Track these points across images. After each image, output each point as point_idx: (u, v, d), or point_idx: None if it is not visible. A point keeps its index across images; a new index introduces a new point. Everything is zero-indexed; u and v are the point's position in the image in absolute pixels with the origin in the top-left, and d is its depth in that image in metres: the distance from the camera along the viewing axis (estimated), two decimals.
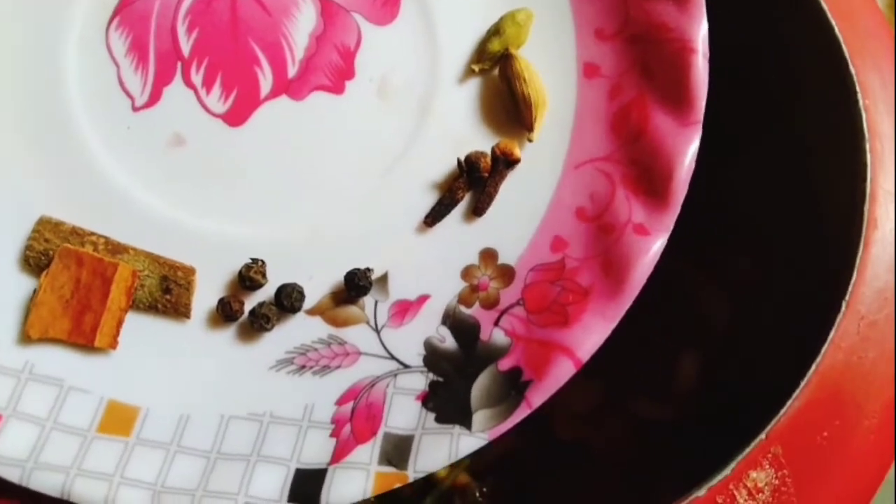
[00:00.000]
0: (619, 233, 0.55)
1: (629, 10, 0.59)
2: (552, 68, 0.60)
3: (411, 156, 0.60)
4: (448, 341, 0.56)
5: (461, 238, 0.58)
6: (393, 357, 0.56)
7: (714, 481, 0.52)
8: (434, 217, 0.58)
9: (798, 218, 0.71)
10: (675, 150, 0.56)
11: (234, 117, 0.60)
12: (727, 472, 0.53)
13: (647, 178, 0.56)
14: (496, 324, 0.56)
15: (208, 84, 0.60)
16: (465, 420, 0.53)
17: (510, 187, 0.58)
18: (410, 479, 0.53)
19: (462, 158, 0.58)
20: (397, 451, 0.53)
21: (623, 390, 0.70)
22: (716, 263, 0.75)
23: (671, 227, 0.55)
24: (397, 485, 0.53)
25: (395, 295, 0.58)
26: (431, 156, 0.60)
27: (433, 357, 0.56)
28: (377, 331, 0.57)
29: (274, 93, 0.60)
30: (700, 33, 0.58)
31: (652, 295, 0.72)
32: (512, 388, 0.53)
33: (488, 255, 0.57)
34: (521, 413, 0.53)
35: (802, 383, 0.55)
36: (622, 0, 0.59)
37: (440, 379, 0.55)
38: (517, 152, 0.58)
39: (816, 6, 0.64)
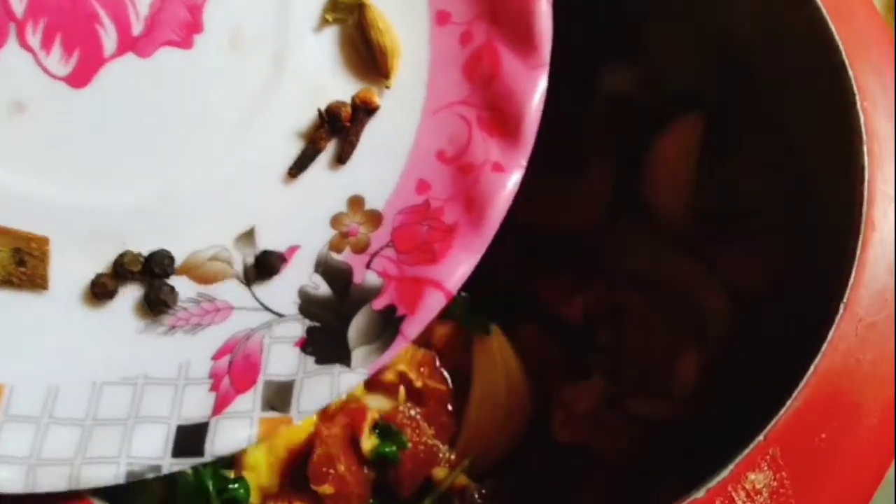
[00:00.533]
0: (478, 172, 0.58)
1: None
2: (405, 17, 0.61)
3: (270, 108, 0.60)
4: (322, 288, 0.58)
5: (327, 187, 0.59)
6: (267, 308, 0.58)
7: (712, 483, 0.52)
8: (298, 167, 0.59)
9: (796, 219, 0.72)
10: (524, 91, 0.58)
11: (78, 79, 0.58)
12: (725, 473, 0.53)
13: (501, 119, 0.58)
14: (368, 266, 0.58)
15: (47, 45, 0.58)
16: (344, 359, 0.55)
17: (372, 134, 0.60)
18: (296, 421, 0.55)
19: (323, 109, 0.59)
20: (279, 396, 0.55)
21: (622, 391, 0.70)
22: (715, 264, 0.75)
23: (525, 163, 0.58)
24: (283, 427, 0.55)
25: (264, 248, 0.59)
26: (291, 107, 0.60)
27: (308, 305, 0.57)
28: (248, 285, 0.58)
29: (119, 51, 0.59)
30: None
31: (652, 296, 0.73)
32: (387, 324, 0.56)
33: (356, 202, 0.59)
34: (398, 345, 0.55)
35: (801, 385, 0.55)
36: None
37: (317, 324, 0.57)
38: (376, 100, 0.59)
39: (815, 8, 0.64)
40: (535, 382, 0.71)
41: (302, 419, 0.55)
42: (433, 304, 0.56)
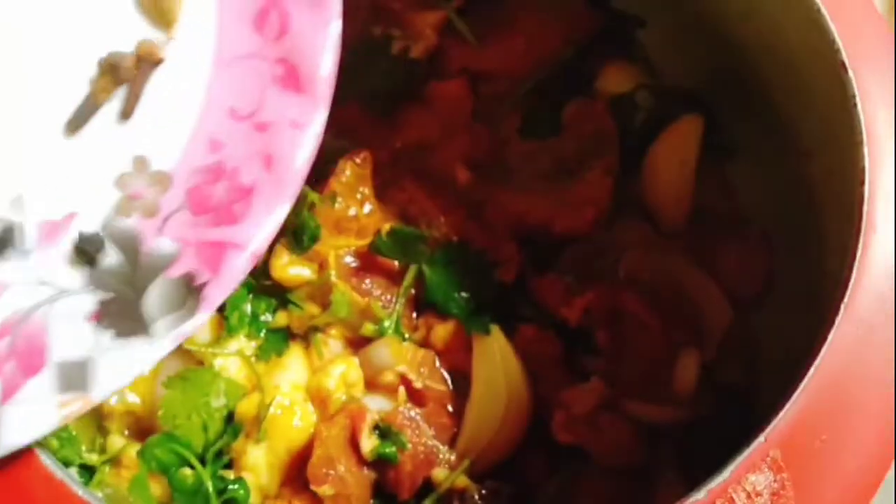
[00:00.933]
0: (276, 129, 0.56)
1: None
2: None
3: (37, 59, 0.57)
4: (112, 256, 0.55)
5: (110, 146, 0.57)
6: (46, 283, 0.55)
7: (713, 484, 0.52)
8: (76, 124, 0.56)
9: (796, 220, 0.72)
10: (316, 46, 0.57)
11: None
12: (726, 475, 0.52)
13: (295, 74, 0.56)
14: (160, 232, 0.55)
15: None
16: (144, 331, 0.53)
17: (160, 91, 0.57)
18: (97, 401, 0.52)
19: (102, 59, 0.57)
20: (77, 375, 0.52)
21: (621, 393, 0.70)
22: (714, 266, 0.75)
23: (324, 120, 0.56)
24: (86, 408, 0.52)
25: (38, 216, 0.56)
26: (62, 57, 0.57)
27: (97, 275, 0.55)
28: (20, 259, 0.55)
29: None
30: None
31: (651, 297, 0.73)
32: (188, 291, 0.53)
33: (141, 162, 0.56)
34: (203, 313, 0.53)
35: (801, 387, 0.55)
36: None
37: (111, 296, 0.54)
38: (158, 52, 0.57)
39: (815, 9, 0.64)
40: (535, 384, 0.71)
41: (104, 397, 0.52)
42: (238, 266, 0.54)
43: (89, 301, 0.54)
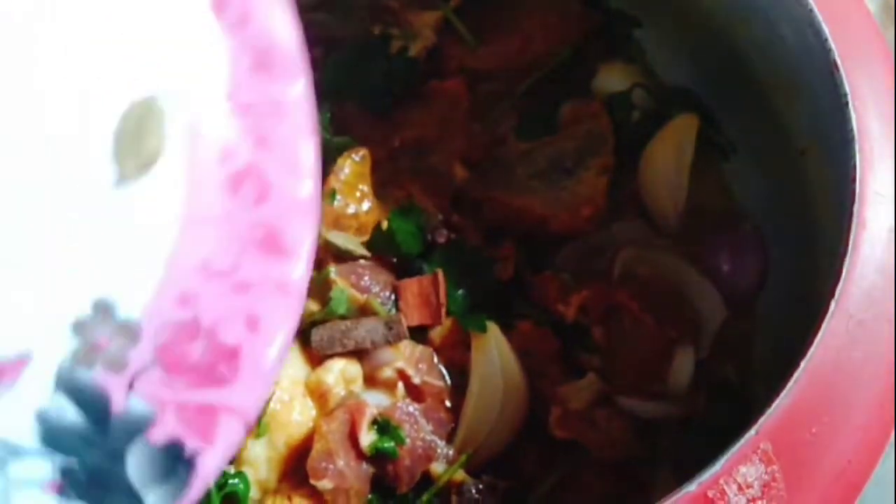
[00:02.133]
0: (258, 291, 0.51)
1: (241, 79, 0.55)
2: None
3: None
4: (71, 413, 0.48)
5: (68, 284, 0.50)
6: None
7: (705, 477, 0.53)
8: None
9: (790, 218, 0.72)
10: (297, 216, 0.53)
11: None
12: (717, 467, 0.53)
13: (274, 240, 0.52)
14: (130, 389, 0.48)
15: None
16: None
17: (128, 234, 0.52)
18: None
19: None
20: None
21: (617, 389, 0.71)
22: (708, 263, 0.75)
23: (305, 288, 0.52)
24: None
25: None
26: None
27: (55, 435, 0.47)
28: None
29: None
30: (311, 113, 0.56)
31: (646, 294, 0.74)
32: (177, 460, 0.47)
33: (104, 308, 0.50)
34: (199, 485, 0.47)
35: (792, 381, 0.55)
36: (236, 68, 0.55)
37: (73, 461, 0.47)
38: None
39: (808, 9, 0.64)
40: (532, 380, 0.71)
41: None
42: (232, 433, 0.48)
43: (47, 467, 0.47)
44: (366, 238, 0.74)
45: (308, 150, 0.54)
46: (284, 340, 0.50)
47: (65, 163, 0.53)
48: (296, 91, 0.54)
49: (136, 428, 0.47)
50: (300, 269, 0.51)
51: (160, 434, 0.47)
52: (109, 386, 0.48)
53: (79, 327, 0.50)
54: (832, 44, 0.63)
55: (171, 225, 0.52)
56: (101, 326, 0.50)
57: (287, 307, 0.51)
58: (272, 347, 0.50)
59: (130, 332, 0.50)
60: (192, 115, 0.54)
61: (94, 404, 0.48)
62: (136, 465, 0.47)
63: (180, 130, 0.54)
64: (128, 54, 0.54)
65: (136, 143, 0.53)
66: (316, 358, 0.71)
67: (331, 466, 0.66)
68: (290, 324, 0.51)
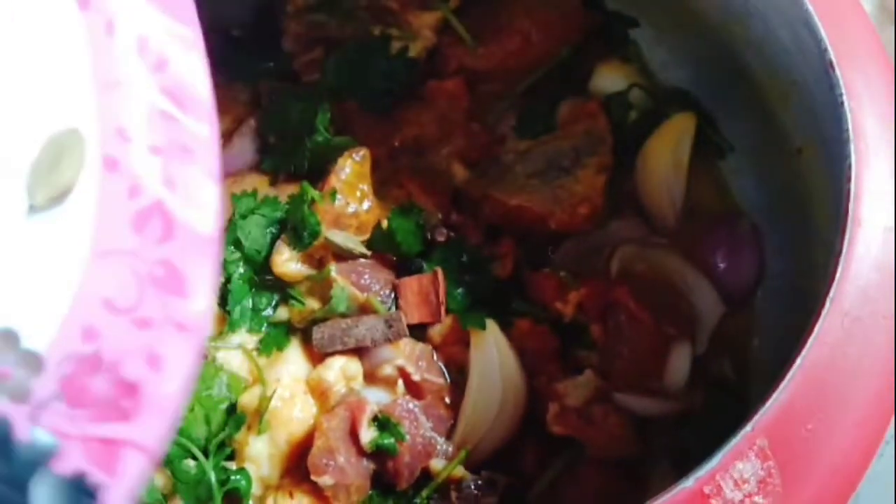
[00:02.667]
0: (160, 329, 0.51)
1: (153, 123, 0.55)
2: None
3: None
4: None
5: None
6: None
7: (701, 472, 0.53)
8: None
9: (786, 216, 0.73)
10: (201, 259, 0.52)
11: None
12: (714, 463, 0.53)
13: (178, 280, 0.52)
14: (33, 420, 0.48)
15: None
16: None
17: (36, 265, 0.52)
18: None
19: None
20: None
21: (615, 386, 0.71)
22: (705, 261, 0.76)
23: (208, 325, 0.52)
24: None
25: None
26: None
27: None
28: None
29: None
30: (214, 161, 0.55)
31: (644, 292, 0.74)
32: (81, 493, 0.47)
33: (9, 336, 0.49)
34: None
35: (788, 377, 0.55)
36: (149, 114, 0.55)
37: None
38: None
39: (804, 9, 0.65)
40: (530, 377, 0.72)
41: None
42: (135, 468, 0.47)
43: None
44: (366, 237, 0.74)
45: (212, 192, 0.54)
46: (185, 377, 0.50)
47: None
48: (204, 134, 0.54)
49: (40, 459, 0.47)
50: (200, 308, 0.51)
51: (64, 466, 0.47)
52: (12, 415, 0.48)
53: None
54: (828, 44, 0.63)
55: (79, 258, 0.52)
56: (4, 355, 0.49)
57: (187, 345, 0.51)
58: (172, 384, 0.49)
59: (34, 362, 0.49)
60: (107, 150, 0.54)
61: None
62: (40, 498, 0.46)
63: (95, 164, 0.54)
64: (50, 88, 0.54)
65: (51, 174, 0.53)
66: (317, 356, 0.72)
67: (331, 463, 0.67)
68: (191, 361, 0.50)
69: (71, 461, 0.47)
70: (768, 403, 0.55)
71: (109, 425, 0.48)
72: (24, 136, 0.54)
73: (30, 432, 0.48)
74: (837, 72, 0.63)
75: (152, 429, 0.49)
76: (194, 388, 0.69)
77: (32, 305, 0.51)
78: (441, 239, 0.75)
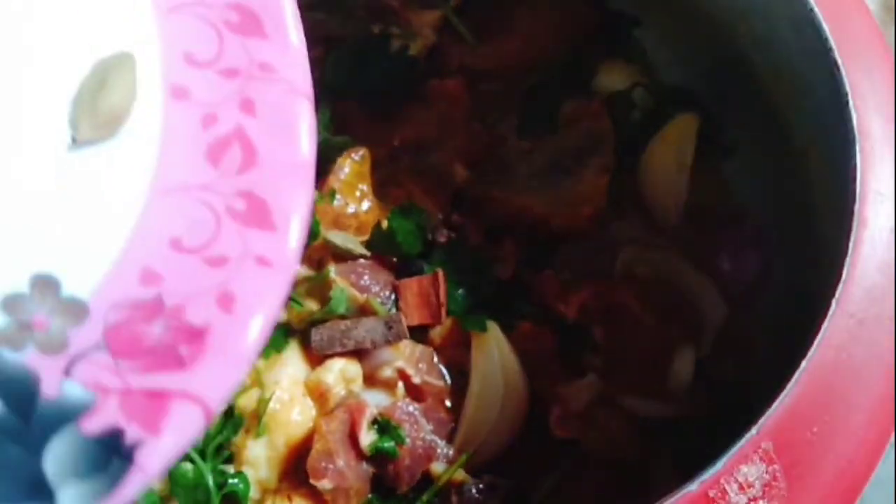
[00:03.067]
0: (236, 266, 0.47)
1: (224, 42, 0.52)
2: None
3: None
4: None
5: (1, 257, 0.46)
6: None
7: (706, 476, 0.53)
8: None
9: (790, 217, 0.72)
10: (288, 188, 0.49)
11: None
12: (718, 466, 0.53)
13: (260, 212, 0.48)
14: (67, 374, 0.44)
15: None
16: (43, 501, 0.41)
17: (79, 205, 0.48)
18: None
19: None
20: None
21: (618, 388, 0.71)
22: (709, 262, 0.76)
23: (297, 261, 0.48)
24: None
25: None
26: None
27: None
28: None
29: None
30: (304, 77, 0.52)
31: (647, 294, 0.74)
32: (112, 453, 0.42)
33: (45, 285, 0.46)
34: (136, 481, 0.42)
35: (793, 380, 0.55)
36: (217, 31, 0.52)
37: None
38: None
39: (808, 9, 0.65)
40: (532, 379, 0.71)
41: None
42: (187, 422, 0.43)
43: None
44: (366, 237, 0.74)
45: (302, 111, 0.52)
46: (264, 321, 0.45)
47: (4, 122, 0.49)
48: (289, 47, 0.52)
49: (66, 416, 0.43)
50: (288, 242, 0.48)
51: (96, 423, 0.43)
52: (41, 369, 0.44)
53: (9, 304, 0.45)
54: (833, 43, 0.63)
55: (140, 195, 0.49)
56: (38, 304, 0.45)
57: (270, 284, 0.47)
58: (248, 328, 0.45)
59: (76, 310, 0.46)
60: (173, 77, 0.52)
61: (16, 389, 0.43)
62: (56, 457, 0.42)
63: (158, 92, 0.51)
64: (103, 10, 0.52)
65: (95, 102, 0.50)
66: (316, 358, 0.71)
67: (331, 466, 0.67)
68: (273, 303, 0.46)
69: (105, 417, 0.43)
70: (773, 406, 0.55)
71: (161, 375, 0.44)
72: (72, 62, 0.51)
73: (59, 387, 0.44)
74: (842, 72, 0.63)
75: (214, 379, 0.44)
76: None
77: (80, 248, 0.47)
78: (442, 240, 0.75)
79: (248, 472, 0.68)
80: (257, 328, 0.45)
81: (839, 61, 0.63)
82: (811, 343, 0.56)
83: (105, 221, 0.48)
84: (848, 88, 0.62)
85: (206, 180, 0.49)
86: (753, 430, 0.54)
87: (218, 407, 0.44)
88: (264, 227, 0.48)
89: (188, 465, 0.68)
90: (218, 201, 0.49)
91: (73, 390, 0.43)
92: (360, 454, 0.68)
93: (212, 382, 0.44)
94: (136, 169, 0.49)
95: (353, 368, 0.71)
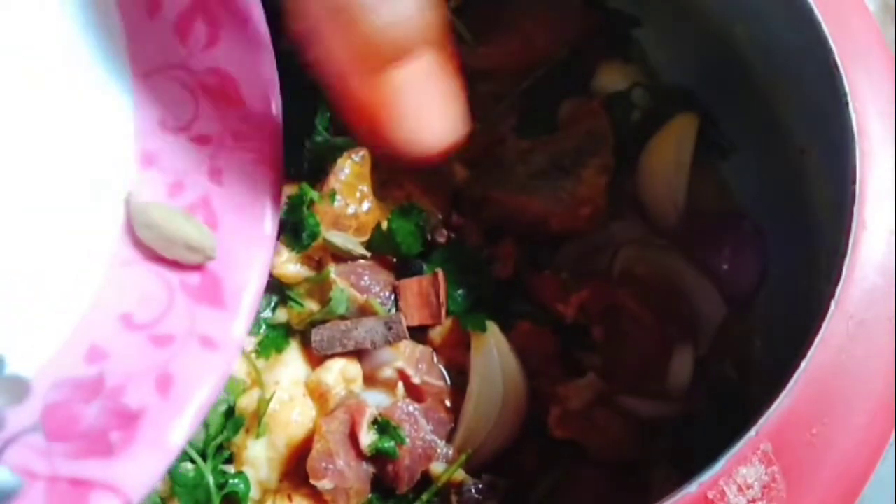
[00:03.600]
0: (181, 346, 0.45)
1: (200, 107, 0.51)
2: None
3: None
4: None
5: None
6: None
7: (704, 477, 0.53)
8: None
9: (790, 217, 0.72)
10: (245, 263, 0.48)
11: None
12: (717, 468, 0.53)
13: (213, 287, 0.47)
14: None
15: None
16: None
17: (37, 279, 0.46)
18: None
19: None
20: None
21: (617, 388, 0.71)
22: (708, 263, 0.76)
23: (243, 341, 0.46)
24: None
25: None
26: None
27: None
28: None
29: None
30: (275, 146, 0.50)
31: (646, 294, 0.74)
32: None
33: None
34: None
35: (792, 381, 0.55)
36: (194, 96, 0.51)
37: None
38: None
39: (807, 9, 0.65)
40: (531, 379, 0.72)
41: None
42: None
43: None
44: (366, 238, 0.74)
45: (269, 184, 0.50)
46: (198, 408, 0.44)
47: None
48: (264, 119, 0.50)
49: None
50: (236, 323, 0.46)
51: None
52: None
53: None
54: (832, 43, 0.63)
55: (97, 269, 0.46)
56: None
57: (211, 367, 0.45)
58: (181, 415, 0.44)
59: (17, 390, 0.43)
60: (142, 140, 0.49)
61: None
62: None
63: (127, 155, 0.50)
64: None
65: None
66: (316, 358, 0.71)
67: (331, 466, 0.67)
68: (211, 387, 0.45)
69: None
70: (772, 407, 0.55)
71: (88, 462, 0.43)
72: (35, 133, 0.49)
73: None
74: (842, 72, 0.63)
75: (139, 469, 0.43)
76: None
77: (31, 325, 0.46)
78: (441, 240, 0.75)
79: (249, 472, 0.69)
80: (190, 415, 0.45)
81: (838, 61, 0.63)
82: (810, 344, 0.56)
83: (61, 297, 0.47)
84: (847, 89, 0.62)
85: (163, 254, 0.48)
86: (752, 432, 0.54)
87: (137, 498, 0.43)
88: (214, 303, 0.47)
89: (189, 466, 0.68)
90: (173, 275, 0.47)
91: (2, 475, 0.42)
92: (360, 454, 0.68)
93: (135, 473, 0.43)
94: (97, 242, 0.48)
95: (353, 369, 0.71)
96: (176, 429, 0.44)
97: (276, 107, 0.50)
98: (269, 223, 0.49)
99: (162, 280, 0.47)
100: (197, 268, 0.47)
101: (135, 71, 0.50)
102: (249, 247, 0.48)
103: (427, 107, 0.49)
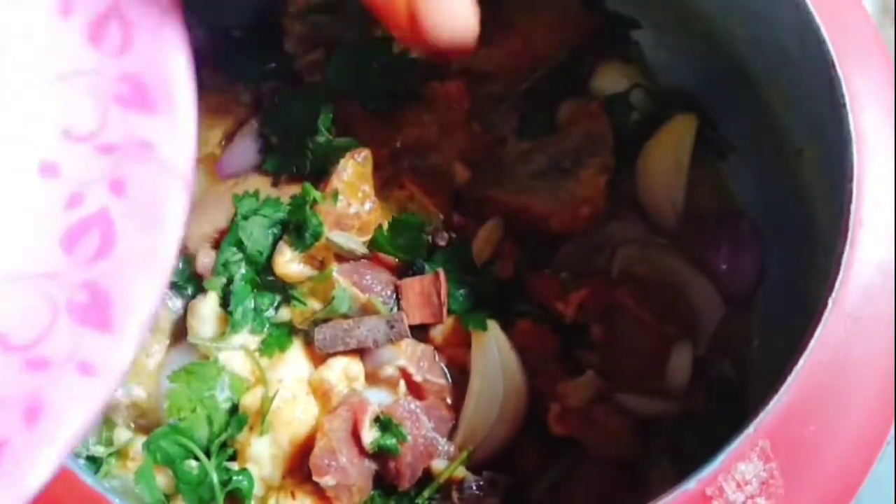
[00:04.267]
0: (56, 372, 0.41)
1: (108, 115, 0.46)
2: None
3: None
4: None
5: None
6: None
7: (703, 474, 0.53)
8: None
9: (787, 217, 0.73)
10: (138, 282, 0.43)
11: None
12: (716, 464, 0.53)
13: (100, 307, 0.43)
14: None
15: None
16: None
17: None
18: None
19: None
20: None
21: (616, 386, 0.71)
22: (707, 262, 0.76)
23: (126, 367, 0.42)
24: None
25: None
26: None
27: None
28: None
29: None
30: (185, 158, 0.45)
31: (645, 293, 0.74)
32: None
33: None
34: None
35: (790, 378, 0.56)
36: (104, 103, 0.47)
37: None
38: None
39: (805, 10, 0.65)
40: (532, 377, 0.72)
41: None
42: None
43: None
44: (368, 237, 0.74)
45: (173, 198, 0.45)
46: (64, 443, 0.40)
47: None
48: (176, 130, 0.46)
49: None
50: (121, 348, 0.42)
51: None
52: None
53: None
54: (830, 45, 0.63)
55: None
56: None
57: (85, 397, 0.41)
58: (43, 451, 0.40)
59: None
60: (43, 149, 0.46)
61: None
62: None
63: (26, 164, 0.46)
64: None
65: None
66: (318, 356, 0.72)
67: (333, 463, 0.67)
68: (81, 419, 0.40)
69: None
70: (770, 405, 0.55)
71: None
72: None
73: None
74: (839, 72, 0.63)
75: None
76: (197, 388, 0.69)
77: None
78: (442, 243, 0.75)
79: (252, 469, 0.69)
80: (54, 453, 0.40)
81: (837, 63, 0.63)
82: (808, 342, 0.57)
83: None
84: (845, 90, 0.62)
85: (54, 269, 0.44)
86: (751, 429, 0.54)
87: None
88: (100, 326, 0.42)
89: (193, 463, 0.68)
90: (60, 293, 0.43)
91: None
92: (362, 451, 0.69)
93: None
94: None
95: (355, 367, 0.71)
96: (37, 466, 0.39)
97: (191, 113, 0.47)
98: (168, 236, 0.44)
99: (46, 299, 0.43)
100: (87, 285, 0.43)
101: (42, 76, 0.48)
102: (145, 262, 0.44)
103: None
